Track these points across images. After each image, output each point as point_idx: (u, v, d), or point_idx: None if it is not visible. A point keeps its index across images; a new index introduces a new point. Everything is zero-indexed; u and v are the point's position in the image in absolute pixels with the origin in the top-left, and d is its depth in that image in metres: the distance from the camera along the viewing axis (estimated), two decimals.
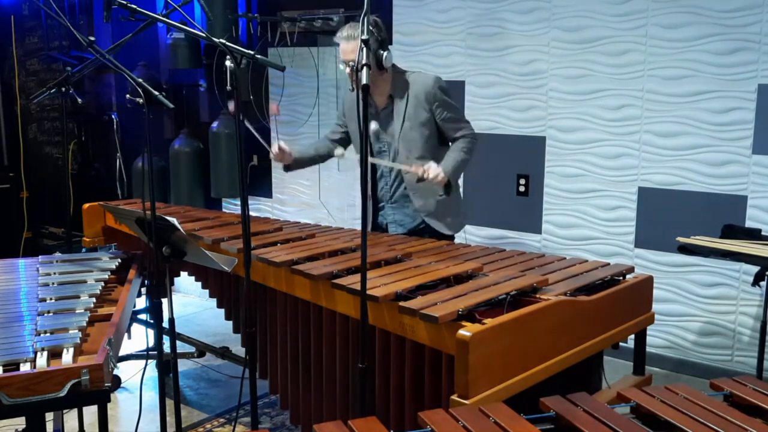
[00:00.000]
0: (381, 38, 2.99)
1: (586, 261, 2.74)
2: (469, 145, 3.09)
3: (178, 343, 3.45)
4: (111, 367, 1.93)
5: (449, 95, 3.10)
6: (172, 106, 2.45)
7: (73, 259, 2.94)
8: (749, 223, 3.49)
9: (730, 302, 3.64)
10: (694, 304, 3.73)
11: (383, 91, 3.10)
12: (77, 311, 2.28)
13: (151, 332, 3.64)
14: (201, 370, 3.98)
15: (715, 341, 3.71)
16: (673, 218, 3.70)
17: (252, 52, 2.18)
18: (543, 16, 3.92)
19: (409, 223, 3.22)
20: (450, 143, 3.13)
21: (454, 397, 1.93)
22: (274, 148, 3.22)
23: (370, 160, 3.02)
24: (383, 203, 3.27)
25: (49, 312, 2.27)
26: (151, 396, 3.57)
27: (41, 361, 1.90)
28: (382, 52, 2.95)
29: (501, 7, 4.04)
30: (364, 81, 1.91)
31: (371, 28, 2.92)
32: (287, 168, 3.36)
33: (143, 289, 3.05)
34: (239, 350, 3.35)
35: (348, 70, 3.00)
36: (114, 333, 2.10)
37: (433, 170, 2.90)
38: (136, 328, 3.48)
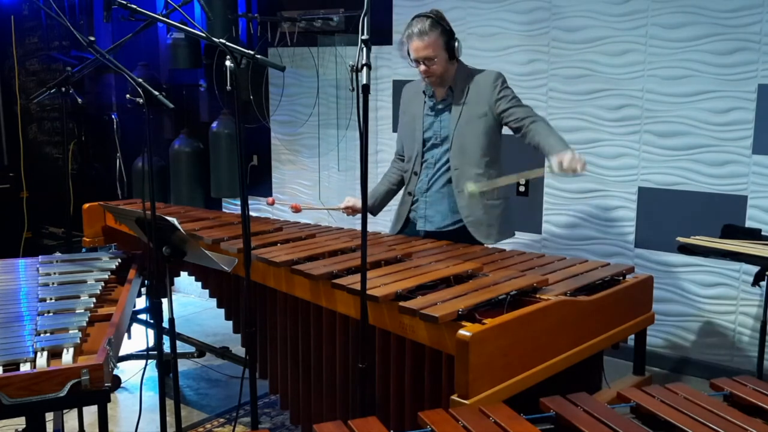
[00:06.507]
0: (449, 28, 2.96)
1: (586, 261, 2.75)
2: (550, 125, 2.95)
3: (178, 343, 3.45)
4: (111, 367, 1.93)
5: (510, 88, 3.03)
6: (172, 106, 2.45)
7: (73, 259, 2.94)
8: (749, 223, 3.49)
9: (730, 302, 3.64)
10: (694, 304, 3.73)
11: (445, 83, 3.04)
12: (77, 311, 2.28)
13: (151, 332, 3.64)
14: (201, 370, 3.98)
15: (715, 341, 3.71)
16: (673, 218, 3.70)
17: (252, 52, 2.18)
18: (543, 16, 3.92)
19: (439, 222, 3.09)
20: (516, 130, 2.98)
21: (454, 397, 1.93)
22: (345, 206, 3.26)
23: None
24: (417, 197, 3.15)
25: (49, 312, 2.27)
26: (151, 396, 3.57)
27: (41, 361, 1.90)
28: (452, 42, 2.94)
29: (501, 7, 4.04)
30: (363, 81, 1.91)
31: (441, 22, 2.92)
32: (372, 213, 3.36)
33: (143, 289, 3.05)
34: (239, 350, 3.35)
35: (423, 67, 2.94)
36: (114, 333, 2.10)
37: (571, 159, 2.59)
38: (136, 328, 3.48)
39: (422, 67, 2.96)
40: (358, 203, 3.21)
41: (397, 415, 2.25)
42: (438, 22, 2.91)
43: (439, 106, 3.08)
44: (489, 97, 2.98)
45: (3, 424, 1.97)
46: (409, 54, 2.98)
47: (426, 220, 3.12)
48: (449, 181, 3.06)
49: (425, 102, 3.12)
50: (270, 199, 3.57)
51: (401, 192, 3.28)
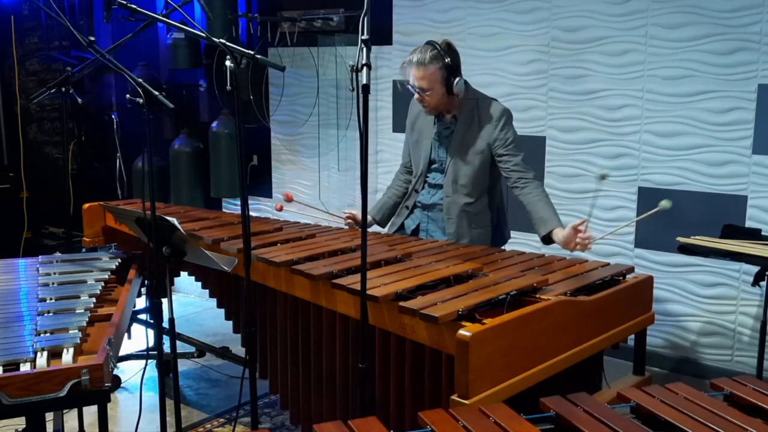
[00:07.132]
0: (453, 63, 2.88)
1: (586, 261, 2.75)
2: (544, 189, 2.95)
3: (178, 343, 3.45)
4: (111, 367, 1.93)
5: (512, 128, 2.99)
6: (172, 106, 2.45)
7: (73, 259, 2.93)
8: (749, 223, 3.49)
9: (730, 302, 3.64)
10: (694, 304, 3.73)
11: (451, 110, 3.02)
12: (77, 311, 2.28)
13: (151, 332, 3.64)
14: (201, 370, 3.98)
15: (715, 341, 3.71)
16: (673, 218, 3.70)
17: (252, 52, 2.18)
18: (543, 16, 3.92)
19: (440, 238, 3.10)
20: (506, 179, 2.99)
21: (454, 397, 1.93)
22: (346, 216, 3.24)
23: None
24: (417, 208, 3.16)
25: (49, 312, 2.27)
26: (151, 396, 3.57)
27: (41, 361, 1.90)
28: (453, 79, 2.87)
29: (501, 7, 4.04)
30: (363, 81, 1.91)
31: (445, 55, 2.85)
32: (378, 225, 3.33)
33: (143, 289, 3.05)
34: (239, 350, 3.35)
35: (417, 96, 2.94)
36: (114, 333, 2.10)
37: (581, 241, 2.66)
38: (136, 328, 3.48)
39: (416, 96, 2.96)
40: (359, 215, 3.20)
41: (397, 415, 2.25)
42: (441, 55, 2.85)
43: (444, 133, 3.07)
44: (489, 134, 2.97)
45: (3, 424, 1.97)
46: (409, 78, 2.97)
47: (428, 233, 3.15)
48: None
49: (435, 124, 3.10)
50: (278, 205, 3.56)
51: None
